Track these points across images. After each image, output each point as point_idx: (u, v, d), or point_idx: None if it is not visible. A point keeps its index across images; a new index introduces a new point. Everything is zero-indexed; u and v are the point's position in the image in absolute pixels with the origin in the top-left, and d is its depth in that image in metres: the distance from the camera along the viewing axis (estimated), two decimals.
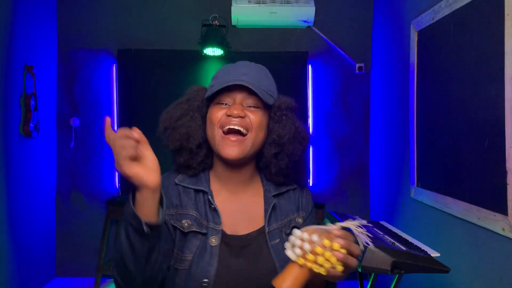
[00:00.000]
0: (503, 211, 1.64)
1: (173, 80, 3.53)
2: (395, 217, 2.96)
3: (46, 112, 3.35)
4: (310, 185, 3.60)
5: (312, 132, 3.63)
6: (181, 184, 1.02)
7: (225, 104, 0.99)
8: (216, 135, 0.97)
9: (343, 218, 2.14)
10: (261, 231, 1.01)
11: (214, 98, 1.01)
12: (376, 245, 1.64)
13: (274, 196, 1.04)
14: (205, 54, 3.43)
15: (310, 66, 3.61)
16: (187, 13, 3.55)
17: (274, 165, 1.02)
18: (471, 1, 1.89)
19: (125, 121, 3.56)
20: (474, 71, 1.89)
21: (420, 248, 1.82)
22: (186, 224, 0.97)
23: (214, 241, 0.96)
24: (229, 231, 0.99)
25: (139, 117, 3.54)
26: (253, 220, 1.02)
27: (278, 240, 1.00)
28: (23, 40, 3.03)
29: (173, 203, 1.00)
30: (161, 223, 0.80)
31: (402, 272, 1.64)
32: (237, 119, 0.96)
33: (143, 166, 0.78)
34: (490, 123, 1.75)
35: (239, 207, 1.03)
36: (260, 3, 3.06)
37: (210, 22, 3.40)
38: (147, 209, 0.79)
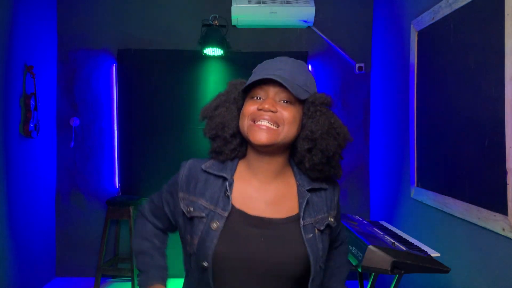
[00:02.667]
0: (503, 211, 1.64)
1: (173, 80, 3.53)
2: (395, 217, 2.96)
3: (46, 112, 3.36)
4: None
5: None
6: (206, 170, 1.06)
7: (259, 98, 1.01)
8: (247, 124, 1.00)
9: (343, 218, 2.14)
10: (291, 219, 1.02)
11: (249, 91, 1.04)
12: (376, 245, 1.64)
13: (308, 190, 1.05)
14: (205, 54, 3.43)
15: (310, 66, 3.61)
16: (187, 13, 3.55)
17: (307, 160, 1.03)
18: (471, 1, 1.89)
19: (125, 121, 3.56)
20: (474, 71, 1.89)
21: (420, 248, 1.82)
22: (188, 210, 1.03)
23: (215, 225, 0.98)
24: (255, 213, 1.01)
25: (139, 117, 3.55)
26: (282, 208, 1.03)
27: (311, 235, 1.01)
28: (23, 40, 3.03)
29: (191, 186, 1.05)
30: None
31: (402, 272, 1.64)
32: (268, 114, 0.97)
33: None
34: (490, 123, 1.75)
35: (269, 195, 1.04)
36: (260, 3, 3.06)
37: (210, 22, 3.40)
38: None
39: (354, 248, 1.75)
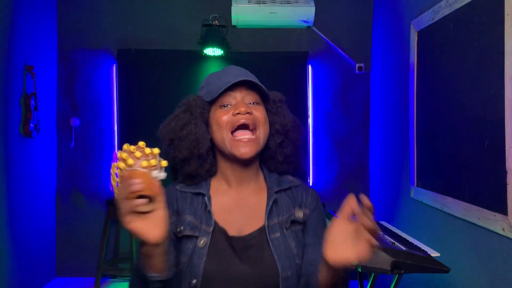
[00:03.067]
0: (503, 211, 1.64)
1: (173, 80, 3.53)
2: (395, 217, 2.96)
3: (46, 112, 3.36)
4: (310, 185, 3.60)
5: (312, 132, 3.63)
6: (181, 190, 1.05)
7: (227, 105, 1.02)
8: (226, 138, 1.00)
9: None
10: (262, 228, 1.02)
11: (214, 102, 1.04)
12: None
13: (276, 192, 1.06)
14: (205, 54, 3.43)
15: (310, 66, 3.61)
16: (187, 13, 3.55)
17: (280, 154, 1.07)
18: (471, 1, 1.90)
19: (125, 121, 3.56)
20: (474, 71, 1.89)
21: (420, 248, 1.82)
22: (178, 230, 1.00)
23: (202, 242, 0.97)
24: (234, 232, 1.00)
25: (139, 117, 3.55)
26: (257, 218, 1.03)
27: (279, 234, 1.00)
28: (23, 40, 3.03)
29: (173, 210, 1.03)
30: (169, 276, 0.85)
31: (402, 272, 1.64)
32: (245, 116, 0.99)
33: (146, 221, 0.77)
34: (490, 123, 1.75)
35: (244, 206, 1.05)
36: (260, 3, 3.06)
37: (210, 22, 3.40)
38: (154, 261, 0.82)
39: None
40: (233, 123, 0.99)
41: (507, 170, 1.62)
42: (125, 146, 0.81)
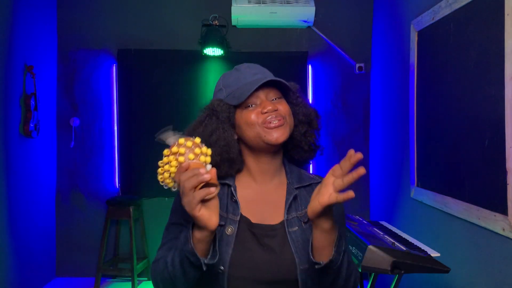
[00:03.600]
0: (503, 211, 1.64)
1: (173, 80, 3.53)
2: (395, 217, 2.96)
3: (46, 112, 3.36)
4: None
5: None
6: None
7: (253, 105, 1.05)
8: (259, 131, 1.03)
9: None
10: (282, 222, 1.05)
11: (239, 105, 1.07)
12: (376, 245, 1.64)
13: (297, 188, 1.10)
14: (205, 54, 3.43)
15: (310, 66, 3.61)
16: (187, 13, 3.55)
17: (305, 143, 1.12)
18: (471, 1, 1.90)
19: (125, 121, 3.56)
20: (474, 71, 1.89)
21: (420, 248, 1.82)
22: None
23: (230, 230, 1.01)
24: (254, 220, 1.04)
25: (139, 117, 3.55)
26: (278, 212, 1.07)
27: (297, 228, 1.04)
28: (23, 40, 3.03)
29: None
30: (215, 261, 0.89)
31: (402, 272, 1.64)
32: (273, 114, 1.03)
33: (208, 208, 0.84)
34: (490, 123, 1.75)
35: (266, 200, 1.08)
36: (260, 3, 3.06)
37: (210, 22, 3.40)
38: (203, 246, 0.88)
39: (354, 248, 1.75)
40: (263, 121, 1.03)
41: (507, 170, 1.62)
42: (182, 141, 0.89)
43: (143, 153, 3.52)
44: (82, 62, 3.56)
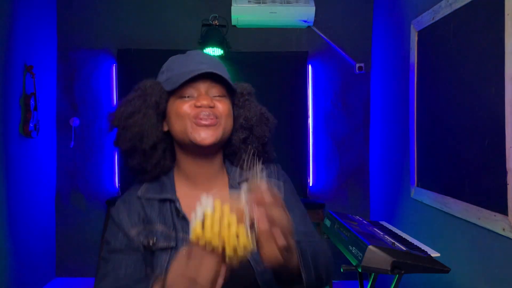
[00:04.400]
0: (503, 211, 1.64)
1: None
2: (395, 217, 2.96)
3: (46, 112, 3.35)
4: (310, 185, 3.60)
5: (312, 132, 3.63)
6: (144, 196, 0.96)
7: (189, 97, 0.93)
8: (187, 126, 0.92)
9: (343, 218, 2.14)
10: None
11: (174, 91, 0.95)
12: (376, 245, 1.64)
13: (239, 183, 0.99)
14: None
15: (310, 66, 3.61)
16: (187, 13, 3.55)
17: (244, 151, 1.00)
18: (471, 1, 1.89)
19: None
20: (474, 71, 1.89)
21: (420, 248, 1.82)
22: (151, 243, 0.91)
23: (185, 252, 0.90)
24: None
25: None
26: None
27: None
28: (23, 40, 3.03)
29: (139, 217, 0.94)
30: None
31: (402, 272, 1.64)
32: (207, 111, 0.92)
33: None
34: (490, 123, 1.75)
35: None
36: (260, 3, 3.06)
37: (210, 22, 3.40)
38: None
39: (354, 248, 1.75)
40: (194, 115, 0.91)
41: (507, 170, 1.62)
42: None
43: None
44: (82, 62, 3.56)
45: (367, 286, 1.98)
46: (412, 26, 2.58)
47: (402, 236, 2.00)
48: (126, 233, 0.92)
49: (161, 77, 1.00)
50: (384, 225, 2.26)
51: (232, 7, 3.04)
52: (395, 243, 1.79)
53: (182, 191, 0.97)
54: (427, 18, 2.35)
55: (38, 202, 3.28)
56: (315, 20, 3.11)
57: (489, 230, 1.77)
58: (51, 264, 3.51)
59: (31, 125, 3.02)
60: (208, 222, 0.67)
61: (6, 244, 2.78)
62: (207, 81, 0.94)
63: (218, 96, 0.96)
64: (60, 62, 3.57)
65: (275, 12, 3.07)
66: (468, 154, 1.93)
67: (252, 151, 0.99)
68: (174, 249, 0.90)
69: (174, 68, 0.98)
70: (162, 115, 0.96)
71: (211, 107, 0.92)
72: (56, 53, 3.55)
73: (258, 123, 1.00)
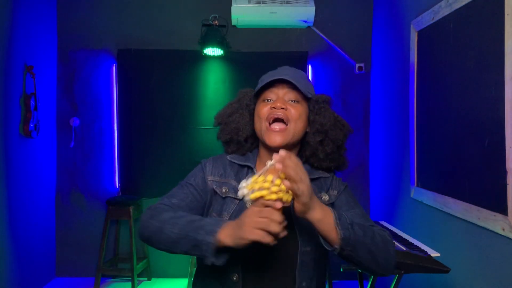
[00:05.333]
0: (503, 211, 1.64)
1: (173, 80, 3.53)
2: (395, 217, 2.96)
3: (46, 112, 3.35)
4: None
5: None
6: (231, 159, 1.20)
7: (270, 100, 1.15)
8: (262, 126, 1.13)
9: None
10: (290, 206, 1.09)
11: (260, 96, 1.17)
12: None
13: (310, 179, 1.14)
14: (205, 54, 3.43)
15: (310, 66, 3.61)
16: (187, 13, 3.55)
17: (321, 151, 1.17)
18: (471, 1, 1.89)
19: (125, 121, 3.56)
20: (474, 71, 1.89)
21: (420, 248, 1.82)
22: (224, 190, 1.14)
23: (248, 204, 1.03)
24: None
25: (139, 117, 3.54)
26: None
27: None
28: (23, 40, 3.03)
29: (218, 171, 1.18)
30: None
31: (402, 272, 1.64)
32: (280, 111, 1.11)
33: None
34: (490, 123, 1.75)
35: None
36: (260, 3, 3.06)
37: (210, 22, 3.40)
38: (219, 245, 0.93)
39: None
40: (269, 115, 1.12)
41: (507, 170, 1.62)
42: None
43: (143, 153, 3.52)
44: (82, 62, 3.56)
45: (367, 286, 1.98)
46: (412, 26, 2.58)
47: (402, 236, 2.00)
48: (204, 176, 1.17)
49: (257, 86, 1.21)
50: (384, 225, 2.26)
51: (232, 7, 3.04)
52: (395, 243, 1.79)
53: (258, 166, 1.19)
54: (427, 18, 2.35)
55: (38, 202, 3.28)
56: (315, 20, 3.11)
57: (489, 230, 1.77)
58: (51, 264, 3.51)
59: (31, 125, 3.02)
60: (250, 185, 0.92)
61: (6, 244, 2.78)
62: (286, 88, 1.15)
63: (294, 101, 1.15)
64: (60, 62, 3.57)
65: (275, 12, 3.07)
66: (468, 154, 1.93)
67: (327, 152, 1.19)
68: (241, 201, 1.09)
69: (264, 78, 1.18)
70: (253, 115, 1.20)
71: (283, 108, 1.11)
72: (56, 53, 3.55)
73: (333, 128, 1.18)
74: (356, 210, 1.17)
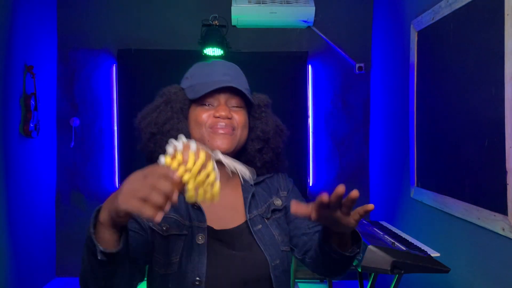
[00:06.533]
0: (503, 211, 1.64)
1: (173, 80, 3.48)
2: (395, 217, 2.96)
3: (46, 112, 3.35)
4: (310, 185, 3.60)
5: (312, 132, 3.63)
6: None
7: (209, 105, 1.00)
8: (204, 133, 0.99)
9: None
10: (245, 223, 1.03)
11: (197, 99, 1.02)
12: (376, 245, 1.64)
13: (252, 185, 1.07)
14: (205, 54, 3.43)
15: (310, 66, 3.61)
16: (187, 13, 3.55)
17: (258, 160, 1.06)
18: (471, 1, 1.89)
19: (125, 121, 3.56)
20: (474, 71, 1.89)
21: (420, 248, 1.82)
22: (164, 228, 0.96)
23: (200, 239, 0.96)
24: (217, 226, 1.00)
25: None
26: (238, 214, 1.04)
27: (260, 226, 1.02)
28: (23, 40, 3.03)
29: None
30: (119, 251, 0.74)
31: (402, 272, 1.64)
32: (224, 122, 0.98)
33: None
34: (490, 123, 1.75)
35: (224, 203, 1.03)
36: (260, 3, 3.06)
37: (210, 22, 3.40)
38: (110, 235, 0.75)
39: None
40: (212, 124, 0.98)
41: (507, 170, 1.62)
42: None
43: (143, 153, 3.51)
44: (82, 62, 3.56)
45: (367, 286, 1.98)
46: (412, 26, 2.58)
47: (402, 236, 2.00)
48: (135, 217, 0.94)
49: (185, 83, 1.07)
50: (384, 225, 2.26)
51: (232, 7, 3.03)
52: (395, 243, 1.79)
53: None
54: (427, 18, 2.35)
55: (38, 202, 3.28)
56: (315, 20, 3.11)
57: (489, 230, 1.77)
58: (51, 264, 3.51)
59: (31, 125, 3.02)
60: (179, 155, 0.69)
61: (6, 244, 2.78)
62: (227, 92, 1.00)
63: (236, 107, 1.02)
64: (60, 62, 3.57)
65: (275, 12, 3.07)
66: (468, 154, 1.93)
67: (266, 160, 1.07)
68: (187, 236, 0.96)
69: (198, 77, 1.04)
70: (186, 119, 1.03)
71: (228, 118, 0.98)
72: (56, 53, 3.55)
73: (274, 135, 1.07)
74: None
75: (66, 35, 3.55)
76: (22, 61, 3.02)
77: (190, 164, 0.69)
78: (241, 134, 1.01)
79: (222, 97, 1.00)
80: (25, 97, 3.02)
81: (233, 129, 0.99)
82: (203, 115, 0.99)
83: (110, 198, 0.72)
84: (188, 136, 1.00)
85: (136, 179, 0.67)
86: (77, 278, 3.83)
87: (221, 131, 0.98)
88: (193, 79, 1.05)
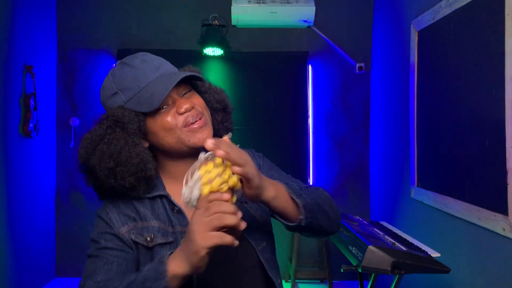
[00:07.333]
0: (504, 211, 1.64)
1: None
2: (395, 217, 2.96)
3: (45, 112, 3.35)
4: (310, 185, 3.60)
5: (312, 132, 3.63)
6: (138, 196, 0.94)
7: (165, 107, 0.90)
8: (181, 134, 0.90)
9: (343, 218, 2.14)
10: None
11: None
12: (376, 245, 1.64)
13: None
14: (205, 54, 3.43)
15: (310, 66, 3.61)
16: (187, 13, 3.55)
17: (223, 131, 1.02)
18: (471, 1, 1.89)
19: None
20: (474, 71, 1.89)
21: (420, 248, 1.82)
22: (148, 239, 0.90)
23: None
24: None
25: None
26: None
27: (243, 211, 0.98)
28: (23, 40, 3.03)
29: (130, 217, 0.92)
30: None
31: (402, 272, 1.64)
32: (191, 114, 0.91)
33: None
34: (490, 123, 1.75)
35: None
36: (260, 3, 3.06)
37: (210, 22, 3.40)
38: (177, 283, 0.79)
39: (354, 248, 1.75)
40: (184, 123, 0.90)
41: (507, 170, 1.62)
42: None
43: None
44: (82, 62, 3.56)
45: (367, 286, 1.98)
46: (412, 26, 2.58)
47: (402, 236, 2.00)
48: (114, 231, 0.92)
49: (118, 99, 0.92)
50: (384, 225, 2.26)
51: (232, 7, 3.03)
52: (395, 243, 1.79)
53: (171, 189, 0.96)
54: (427, 18, 2.35)
55: (38, 202, 3.28)
56: (315, 20, 3.11)
57: (489, 230, 1.76)
58: (51, 264, 3.51)
59: (31, 125, 3.02)
60: (206, 177, 0.76)
61: (6, 244, 2.78)
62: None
63: (187, 92, 0.94)
64: (60, 62, 3.56)
65: (275, 12, 3.06)
66: (469, 154, 1.93)
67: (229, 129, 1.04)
68: (173, 243, 0.91)
69: (130, 85, 0.90)
70: (143, 136, 0.93)
71: (192, 107, 0.91)
72: (56, 53, 3.55)
73: (226, 99, 1.04)
74: (283, 174, 1.06)
75: (66, 35, 3.55)
76: (21, 61, 3.02)
77: (226, 176, 0.76)
78: (208, 114, 0.96)
79: (173, 93, 0.90)
80: (25, 97, 3.02)
81: (202, 115, 0.93)
82: (168, 119, 0.90)
83: (179, 251, 0.77)
84: (147, 156, 0.91)
85: (199, 216, 0.73)
86: (77, 278, 3.81)
87: (195, 126, 0.90)
88: (127, 91, 0.91)
